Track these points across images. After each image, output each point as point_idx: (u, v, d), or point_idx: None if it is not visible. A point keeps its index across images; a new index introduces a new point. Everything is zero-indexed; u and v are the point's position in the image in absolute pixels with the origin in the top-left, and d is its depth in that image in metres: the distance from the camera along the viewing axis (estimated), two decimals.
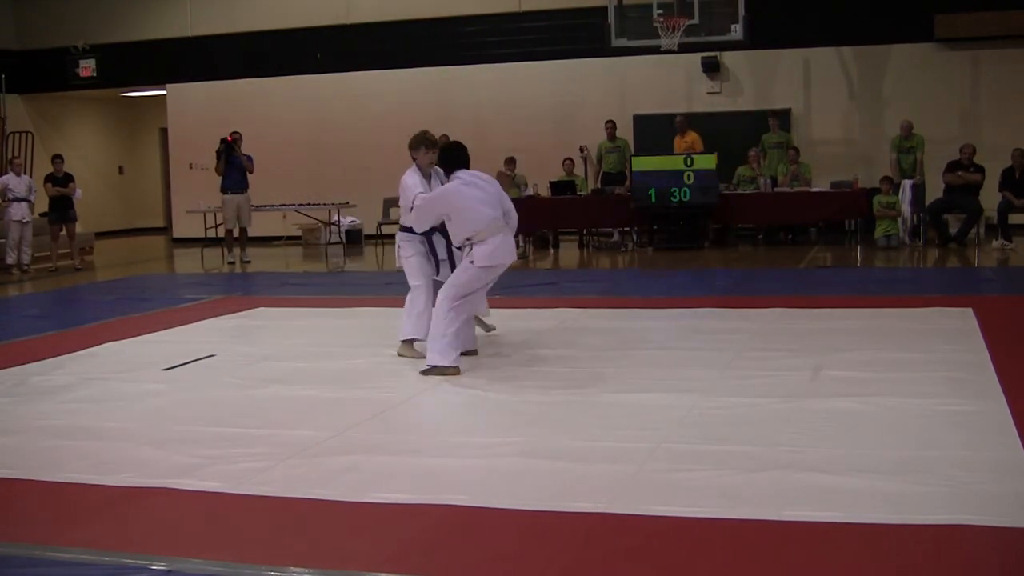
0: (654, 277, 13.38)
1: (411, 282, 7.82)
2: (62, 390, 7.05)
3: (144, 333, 9.34)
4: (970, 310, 8.93)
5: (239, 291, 12.96)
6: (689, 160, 16.01)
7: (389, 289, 12.53)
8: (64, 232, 16.24)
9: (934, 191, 15.82)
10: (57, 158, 16.59)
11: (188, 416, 6.22)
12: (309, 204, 18.44)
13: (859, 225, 16.00)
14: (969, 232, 15.37)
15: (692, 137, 17.06)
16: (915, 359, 7.10)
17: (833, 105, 18.02)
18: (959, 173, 15.43)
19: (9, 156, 19.42)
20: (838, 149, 18.00)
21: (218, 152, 16.47)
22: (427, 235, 7.69)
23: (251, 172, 16.54)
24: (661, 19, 15.76)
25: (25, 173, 17.10)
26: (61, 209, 16.16)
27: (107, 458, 5.34)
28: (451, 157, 7.52)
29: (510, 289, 12.17)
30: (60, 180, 16.27)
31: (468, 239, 7.24)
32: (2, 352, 8.57)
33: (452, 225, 7.27)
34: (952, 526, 4.01)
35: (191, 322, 9.97)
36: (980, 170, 15.38)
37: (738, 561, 3.81)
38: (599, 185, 17.52)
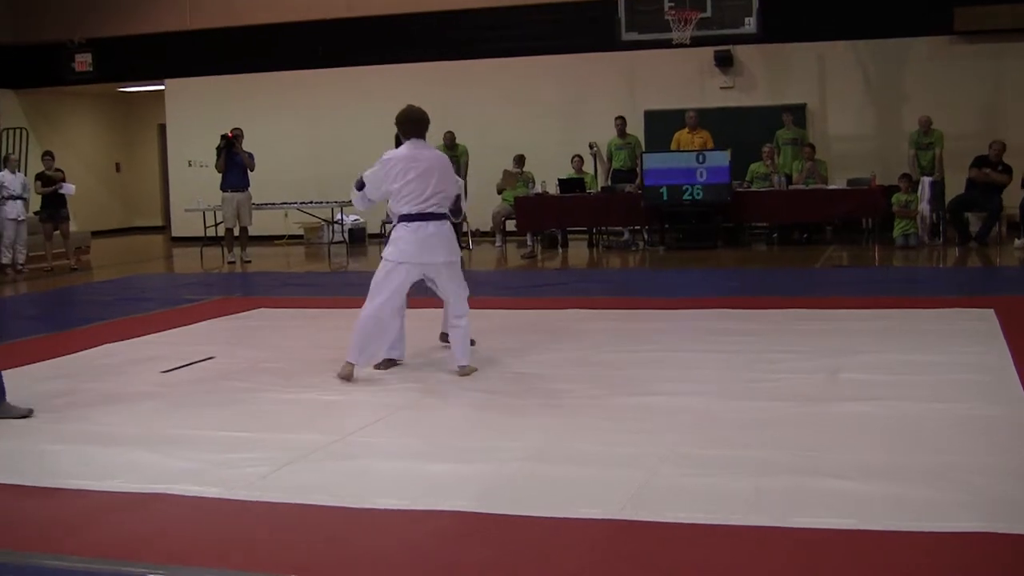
0: (665, 277, 13.38)
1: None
2: (58, 393, 7.05)
3: (142, 335, 9.35)
4: (991, 311, 8.91)
5: (239, 292, 12.98)
6: (701, 157, 16.00)
7: None
8: (58, 232, 16.19)
9: (954, 188, 15.78)
10: (47, 155, 16.50)
11: (187, 420, 6.23)
12: (311, 202, 18.44)
13: (876, 224, 15.97)
14: (991, 231, 15.33)
15: (704, 135, 17.00)
16: (934, 361, 7.08)
17: (849, 100, 18.00)
18: (986, 171, 15.35)
19: (3, 153, 19.43)
20: (854, 145, 17.98)
21: (218, 149, 16.48)
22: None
23: (252, 170, 16.55)
24: (672, 12, 15.75)
25: (19, 170, 17.08)
26: (52, 207, 16.09)
27: (104, 463, 5.35)
28: None
29: (518, 289, 12.19)
30: (51, 178, 16.19)
31: None
32: None
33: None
34: (972, 533, 4.00)
35: (190, 323, 9.99)
36: (1008, 170, 15.28)
37: (751, 569, 3.80)
38: (609, 183, 17.51)
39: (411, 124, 7.27)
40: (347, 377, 7.04)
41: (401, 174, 7.08)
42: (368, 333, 7.10)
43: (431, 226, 7.09)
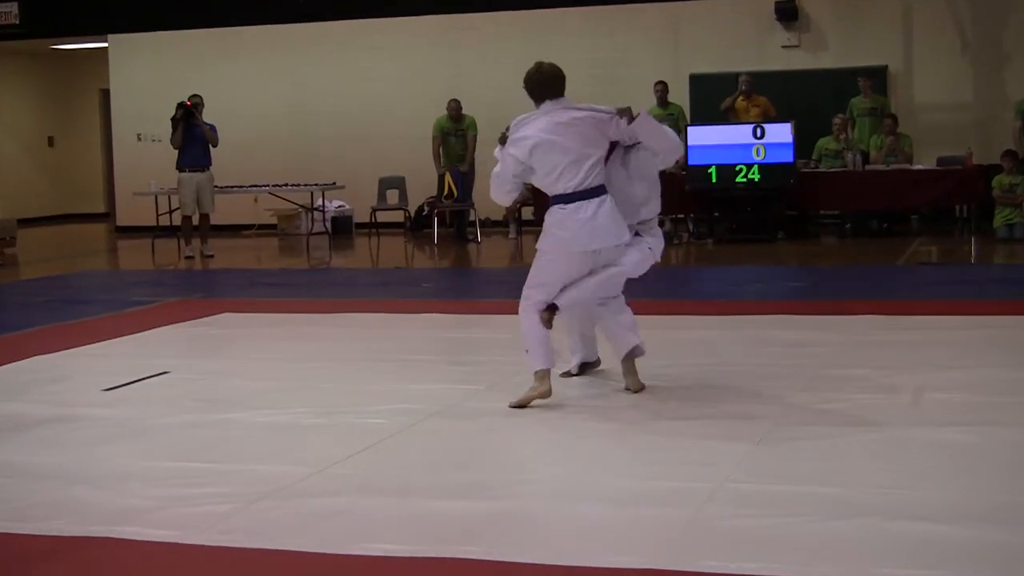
0: (715, 276, 13.37)
1: None
2: None
3: (80, 344, 9.38)
4: None
5: (199, 292, 13.02)
6: (759, 131, 15.97)
7: (385, 290, 12.56)
8: None
9: None
10: None
11: (135, 448, 6.25)
12: (286, 185, 18.45)
13: (973, 212, 15.95)
14: None
15: (763, 104, 16.97)
16: None
17: (940, 62, 17.95)
18: None
19: None
20: (946, 117, 17.95)
21: (174, 120, 16.53)
22: None
23: (215, 145, 16.61)
24: None
25: None
26: None
27: (33, 501, 5.36)
28: None
29: None
30: None
31: None
32: None
33: None
34: None
35: (139, 331, 10.01)
36: None
37: None
38: None
39: (539, 87, 7.33)
40: (546, 394, 6.91)
41: (541, 155, 7.02)
42: (536, 331, 7.02)
43: (592, 205, 6.97)
